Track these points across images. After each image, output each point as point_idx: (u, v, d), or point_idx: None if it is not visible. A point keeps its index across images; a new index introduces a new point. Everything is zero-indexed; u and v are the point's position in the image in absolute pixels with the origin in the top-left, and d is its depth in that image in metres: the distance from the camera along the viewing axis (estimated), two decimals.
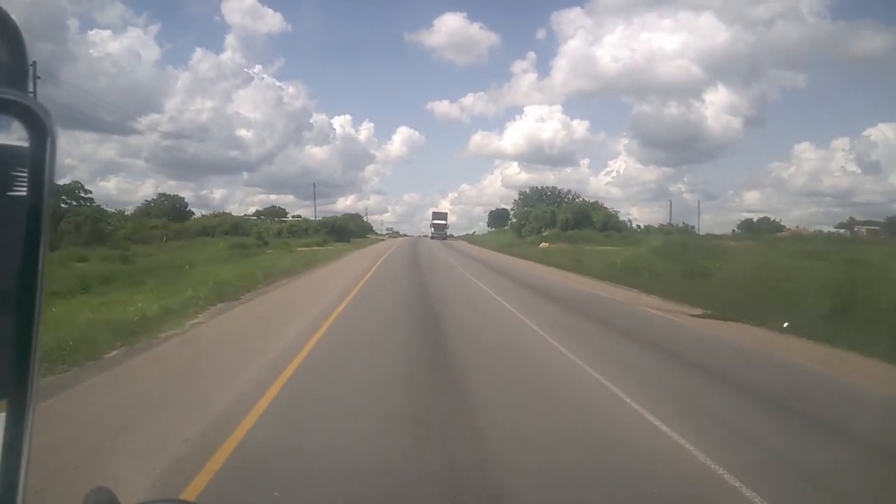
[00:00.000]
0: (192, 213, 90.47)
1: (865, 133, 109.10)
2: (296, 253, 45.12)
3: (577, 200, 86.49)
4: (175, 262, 29.78)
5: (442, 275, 22.86)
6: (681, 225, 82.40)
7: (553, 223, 75.39)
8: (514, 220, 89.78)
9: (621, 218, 77.61)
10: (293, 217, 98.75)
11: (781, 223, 77.71)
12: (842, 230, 71.56)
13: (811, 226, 75.38)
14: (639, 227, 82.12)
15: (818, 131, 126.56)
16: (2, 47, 0.68)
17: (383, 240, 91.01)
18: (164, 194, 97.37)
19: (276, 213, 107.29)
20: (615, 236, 71.96)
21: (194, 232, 73.03)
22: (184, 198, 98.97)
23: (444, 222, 78.47)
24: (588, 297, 17.53)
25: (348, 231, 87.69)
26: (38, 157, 0.62)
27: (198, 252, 50.18)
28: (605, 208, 79.22)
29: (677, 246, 26.19)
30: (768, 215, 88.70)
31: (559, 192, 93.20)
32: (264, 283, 16.09)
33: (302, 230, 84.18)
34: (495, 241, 72.16)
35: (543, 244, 63.16)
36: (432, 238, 76.18)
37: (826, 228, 73.45)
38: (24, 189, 0.61)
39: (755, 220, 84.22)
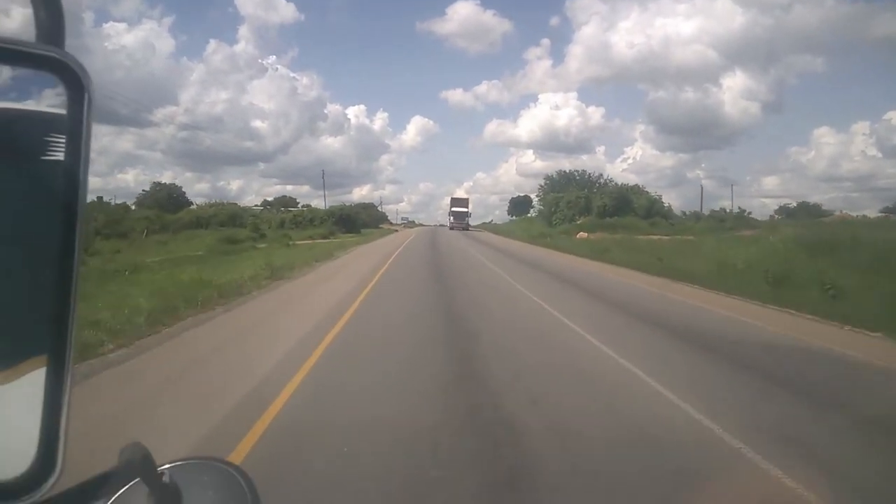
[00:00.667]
0: (191, 203, 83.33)
1: (886, 117, 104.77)
2: (290, 249, 37.17)
3: (611, 184, 77.43)
4: (113, 268, 21.79)
5: (483, 287, 14.46)
6: (734, 210, 72.95)
7: (588, 209, 66.54)
8: (541, 206, 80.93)
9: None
10: (303, 206, 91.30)
11: (823, 208, 70.25)
12: (888, 214, 63.02)
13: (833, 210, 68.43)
14: (683, 213, 72.77)
15: (837, 116, 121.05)
16: (38, 4, 0.67)
17: (397, 230, 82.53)
18: (159, 183, 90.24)
19: (285, 202, 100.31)
20: (661, 224, 62.89)
21: (186, 224, 65.56)
22: (181, 186, 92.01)
23: (465, 209, 67.21)
24: (790, 348, 8.88)
25: (358, 221, 79.25)
26: (76, 114, 0.63)
27: (179, 248, 42.19)
28: (648, 192, 69.99)
29: (846, 239, 17.21)
30: (804, 200, 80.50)
31: (590, 175, 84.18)
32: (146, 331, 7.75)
33: (307, 220, 76.22)
34: (523, 231, 63.35)
35: (581, 234, 54.33)
36: (451, 228, 66.46)
37: (869, 213, 66.43)
38: (61, 154, 0.62)
39: (793, 204, 77.06)
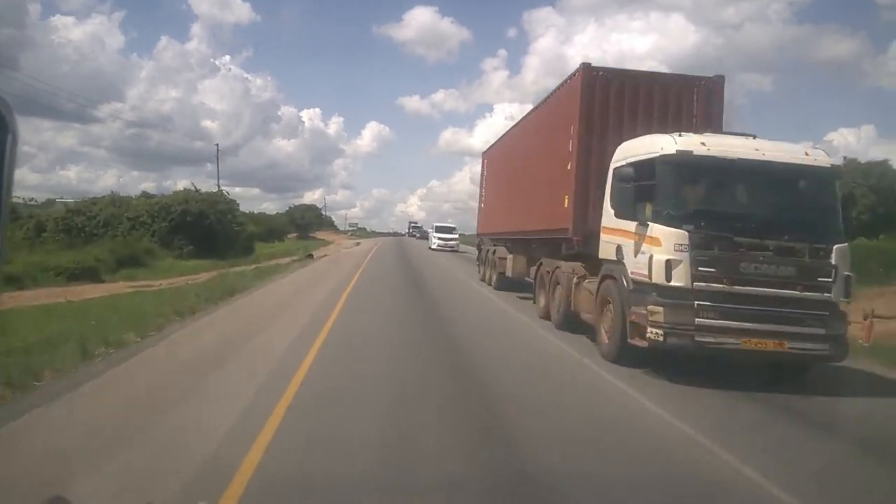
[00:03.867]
0: None
1: (827, 137, 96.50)
2: None
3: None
4: None
5: None
6: None
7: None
8: None
9: None
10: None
11: None
12: None
13: None
14: None
15: (781, 134, 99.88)
16: None
17: (327, 256, 37.58)
18: None
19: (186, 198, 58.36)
20: None
21: None
22: None
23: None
24: None
25: (229, 230, 34.95)
26: None
27: None
28: None
29: None
30: None
31: None
32: None
33: (99, 225, 31.40)
34: None
35: None
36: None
37: None
38: None
39: None
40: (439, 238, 34.15)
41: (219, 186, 45.80)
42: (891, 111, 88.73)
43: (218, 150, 52.94)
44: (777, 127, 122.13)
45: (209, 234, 32.60)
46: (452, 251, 33.16)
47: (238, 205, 38.38)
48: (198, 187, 34.74)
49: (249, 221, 43.82)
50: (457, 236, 35.52)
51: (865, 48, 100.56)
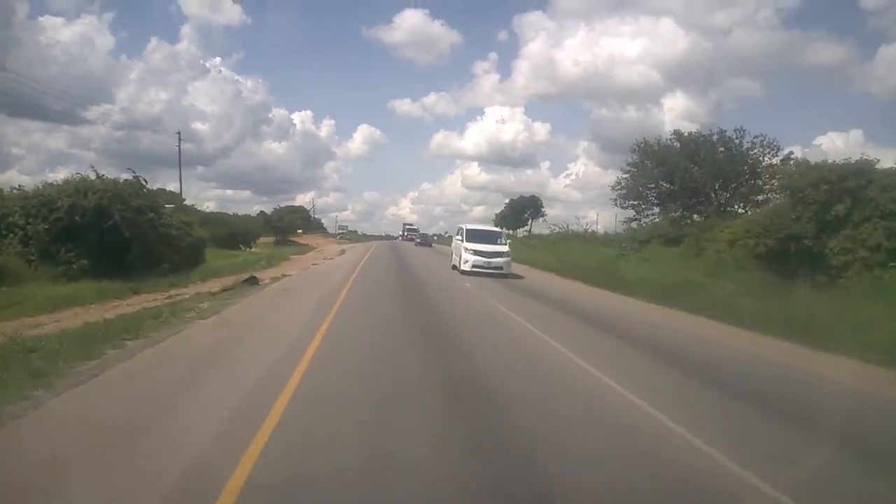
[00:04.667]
0: None
1: (816, 142, 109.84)
2: None
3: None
4: None
5: None
6: None
7: None
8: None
9: None
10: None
11: None
12: None
13: None
14: None
15: (771, 139, 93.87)
16: None
17: (287, 277, 25.99)
18: None
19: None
20: None
21: None
22: None
23: None
24: None
25: (140, 236, 23.37)
26: None
27: None
28: None
29: None
30: None
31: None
32: None
33: None
34: None
35: None
36: None
37: None
38: None
39: None
40: (478, 254, 21.29)
41: (180, 183, 34.72)
42: (878, 116, 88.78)
43: (180, 137, 43.13)
44: (766, 132, 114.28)
45: (115, 242, 21.20)
46: (498, 274, 20.92)
47: (163, 197, 26.56)
48: (101, 173, 22.55)
49: (197, 222, 31.98)
50: (507, 248, 22.27)
51: (853, 54, 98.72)
